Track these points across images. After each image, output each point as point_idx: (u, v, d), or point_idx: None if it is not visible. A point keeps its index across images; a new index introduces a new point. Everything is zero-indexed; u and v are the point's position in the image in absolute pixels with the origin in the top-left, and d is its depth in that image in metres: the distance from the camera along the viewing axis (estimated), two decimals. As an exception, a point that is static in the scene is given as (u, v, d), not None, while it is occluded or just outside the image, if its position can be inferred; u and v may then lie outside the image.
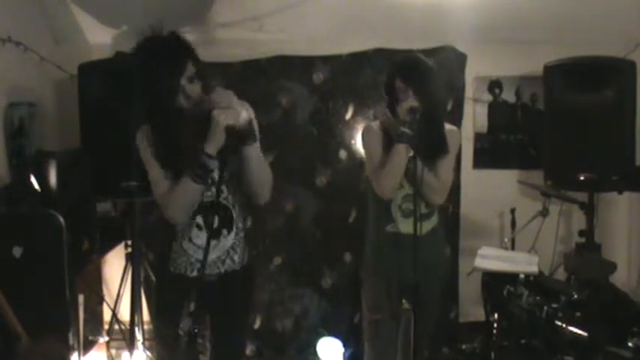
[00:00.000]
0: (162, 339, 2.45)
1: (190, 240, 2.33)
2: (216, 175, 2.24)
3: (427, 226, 2.73)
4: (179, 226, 2.33)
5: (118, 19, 3.96)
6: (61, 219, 2.99)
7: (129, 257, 3.65)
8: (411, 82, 2.62)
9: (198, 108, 2.15)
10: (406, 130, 2.57)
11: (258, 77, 4.01)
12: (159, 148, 2.22)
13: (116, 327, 3.74)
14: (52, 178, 3.28)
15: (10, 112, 3.43)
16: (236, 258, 2.38)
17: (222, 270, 2.36)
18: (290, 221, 4.09)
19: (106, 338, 3.72)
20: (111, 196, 3.71)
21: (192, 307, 2.09)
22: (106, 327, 3.81)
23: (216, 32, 3.99)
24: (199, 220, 2.31)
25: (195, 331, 2.12)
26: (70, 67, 3.77)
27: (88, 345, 3.60)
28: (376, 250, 2.83)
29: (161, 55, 2.12)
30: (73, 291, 3.13)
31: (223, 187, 2.30)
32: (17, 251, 2.94)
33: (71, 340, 3.09)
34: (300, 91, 4.04)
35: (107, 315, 3.89)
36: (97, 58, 3.71)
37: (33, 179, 3.27)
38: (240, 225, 2.39)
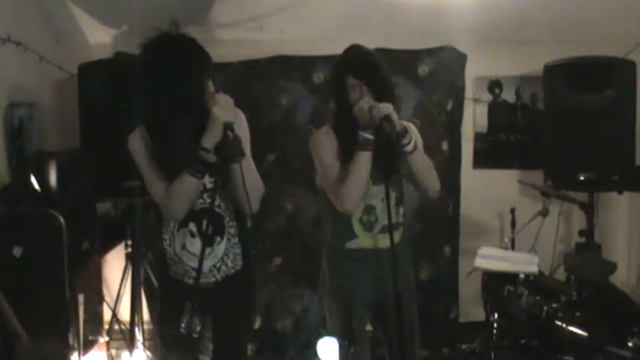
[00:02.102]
0: (163, 340, 2.44)
1: (184, 247, 2.32)
2: (207, 182, 2.24)
3: (395, 238, 2.37)
4: (167, 233, 2.32)
5: (118, 19, 3.96)
6: (61, 219, 2.99)
7: (129, 257, 3.65)
8: (362, 77, 2.36)
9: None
10: (368, 135, 2.30)
11: (258, 77, 4.01)
12: (159, 147, 2.20)
13: (116, 327, 3.74)
14: (52, 178, 3.28)
15: (10, 112, 3.43)
16: (229, 263, 2.36)
17: (219, 277, 2.35)
18: (290, 221, 4.10)
19: (106, 338, 3.72)
20: (111, 196, 3.71)
21: (191, 308, 2.09)
22: (106, 327, 3.81)
23: (216, 32, 3.98)
24: (192, 227, 2.30)
25: (197, 330, 2.11)
26: (70, 67, 3.77)
27: (88, 345, 3.60)
28: (334, 270, 2.55)
29: (187, 53, 2.13)
30: (73, 291, 3.13)
31: (223, 194, 2.28)
32: (17, 251, 2.94)
33: (71, 340, 3.09)
34: (300, 91, 4.04)
35: (107, 315, 3.89)
36: (97, 58, 3.70)
37: (33, 179, 3.28)
38: (232, 231, 2.35)
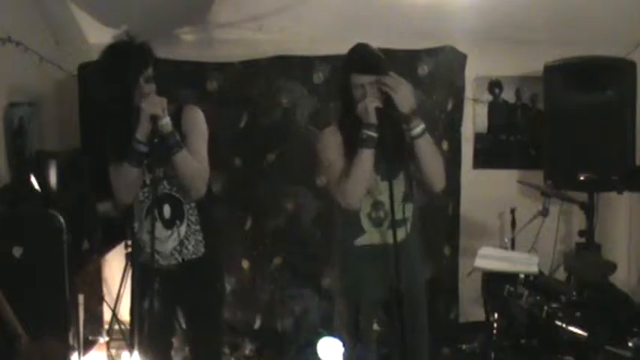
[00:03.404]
0: (136, 325, 2.58)
1: (149, 231, 2.44)
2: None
3: (402, 233, 2.41)
4: (137, 221, 2.55)
5: (118, 19, 3.93)
6: (61, 219, 2.99)
7: (129, 257, 3.65)
8: (367, 72, 2.38)
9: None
10: (371, 133, 2.34)
11: (258, 77, 4.01)
12: (113, 141, 2.47)
13: (116, 327, 3.74)
14: (52, 178, 3.28)
15: (10, 112, 3.43)
16: (190, 247, 2.53)
17: (180, 259, 2.52)
18: (290, 221, 4.09)
19: (106, 338, 3.73)
20: (112, 196, 3.70)
21: (156, 289, 2.40)
22: (106, 327, 3.81)
23: (216, 32, 3.98)
24: (155, 212, 2.47)
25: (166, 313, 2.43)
26: (70, 67, 3.77)
27: (88, 345, 3.60)
28: (345, 269, 2.58)
29: (125, 56, 2.39)
30: (73, 291, 3.13)
31: (174, 181, 2.47)
32: (17, 251, 2.95)
33: (71, 340, 3.09)
34: (300, 91, 4.03)
35: (107, 315, 3.89)
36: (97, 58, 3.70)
37: (33, 179, 3.27)
38: (193, 218, 2.53)
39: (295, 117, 4.04)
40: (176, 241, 2.51)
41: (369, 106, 2.34)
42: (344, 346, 2.60)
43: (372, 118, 2.34)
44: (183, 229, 2.52)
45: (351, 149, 2.41)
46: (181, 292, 2.56)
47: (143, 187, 2.51)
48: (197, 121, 2.55)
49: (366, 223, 2.50)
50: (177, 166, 2.40)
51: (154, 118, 2.33)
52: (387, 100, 2.36)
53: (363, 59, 2.45)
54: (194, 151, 2.46)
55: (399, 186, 2.44)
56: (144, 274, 2.49)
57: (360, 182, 2.38)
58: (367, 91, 2.39)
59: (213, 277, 2.66)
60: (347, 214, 2.49)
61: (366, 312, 2.51)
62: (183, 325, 2.65)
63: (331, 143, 2.49)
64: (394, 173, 2.42)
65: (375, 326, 2.53)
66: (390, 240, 2.38)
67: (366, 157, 2.36)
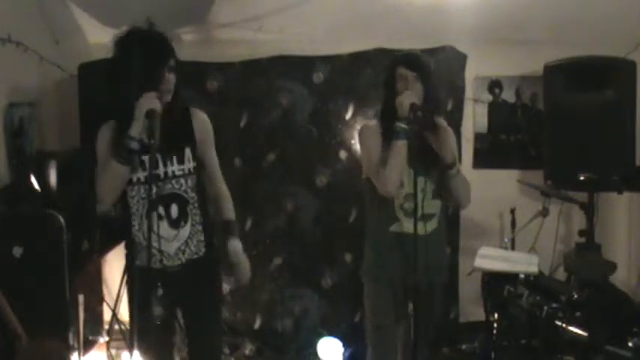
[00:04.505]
0: (136, 327, 2.52)
1: (153, 232, 2.37)
2: (177, 170, 2.43)
3: (431, 225, 2.66)
4: (136, 219, 2.45)
5: (118, 19, 3.91)
6: (61, 219, 2.99)
7: (129, 257, 3.64)
8: (414, 69, 2.57)
9: None
10: (403, 125, 2.51)
11: (258, 77, 4.01)
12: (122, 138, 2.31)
13: (116, 327, 3.73)
14: (52, 178, 3.28)
15: (10, 112, 3.43)
16: (193, 247, 2.50)
17: (184, 260, 2.48)
18: (290, 221, 4.10)
19: (106, 338, 3.72)
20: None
21: (160, 293, 2.36)
22: (106, 327, 3.81)
23: (216, 32, 3.98)
24: (160, 210, 2.42)
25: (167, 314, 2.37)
26: (70, 67, 3.77)
27: (88, 345, 3.60)
28: (378, 253, 2.74)
29: (148, 44, 2.31)
30: (73, 291, 3.13)
31: (182, 180, 2.44)
32: (17, 251, 2.94)
33: (71, 340, 3.09)
34: (300, 91, 4.04)
35: (107, 315, 3.89)
36: (97, 58, 3.71)
37: (33, 179, 3.27)
38: (197, 218, 2.50)
39: (295, 117, 4.05)
40: (181, 241, 2.47)
41: (405, 101, 2.50)
42: (344, 346, 2.67)
43: (405, 112, 2.49)
44: (187, 228, 2.48)
45: (386, 139, 2.60)
46: (182, 291, 2.51)
47: (144, 185, 2.41)
48: (210, 130, 2.56)
49: (399, 212, 2.67)
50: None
51: (151, 115, 2.25)
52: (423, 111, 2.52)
53: (411, 56, 2.65)
54: (213, 165, 2.54)
55: (431, 183, 2.65)
56: (145, 273, 2.42)
57: (396, 170, 2.56)
58: (410, 84, 2.56)
59: (213, 276, 2.62)
60: (382, 202, 2.65)
61: (400, 295, 2.68)
62: (183, 325, 2.63)
63: (371, 134, 2.69)
64: (426, 170, 2.61)
65: (410, 307, 2.67)
66: (420, 231, 2.52)
67: (398, 148, 2.53)
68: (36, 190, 3.27)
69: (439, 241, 2.76)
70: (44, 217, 3.02)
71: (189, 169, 2.46)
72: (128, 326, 3.57)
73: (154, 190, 2.35)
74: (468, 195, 2.70)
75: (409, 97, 2.51)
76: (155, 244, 2.38)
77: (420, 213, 2.53)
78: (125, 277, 3.64)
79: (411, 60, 2.62)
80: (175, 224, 2.46)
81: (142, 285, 2.38)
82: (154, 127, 2.23)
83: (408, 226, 2.62)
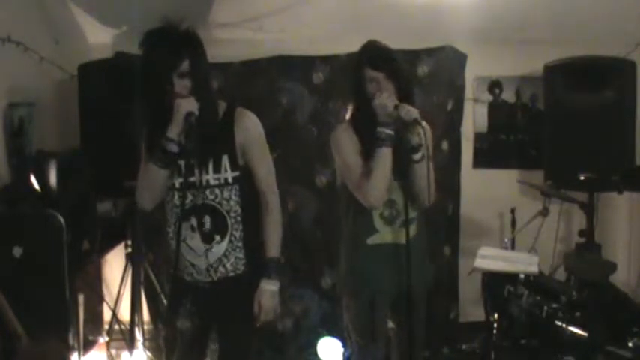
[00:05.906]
0: (166, 338, 2.46)
1: (184, 240, 2.30)
2: (212, 179, 2.26)
3: (411, 231, 2.43)
4: (170, 226, 2.32)
5: (118, 19, 3.96)
6: (61, 219, 2.99)
7: (129, 257, 3.65)
8: (381, 68, 2.34)
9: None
10: (389, 131, 2.30)
11: (258, 77, 4.01)
12: (147, 139, 2.27)
13: (116, 327, 3.74)
14: (52, 178, 3.28)
15: (10, 112, 3.43)
16: (228, 266, 2.30)
17: (215, 278, 2.30)
18: (290, 221, 4.08)
19: (106, 338, 3.73)
20: (111, 196, 3.71)
21: (189, 307, 2.20)
22: (106, 327, 3.81)
23: (216, 32, 3.98)
24: (193, 221, 2.28)
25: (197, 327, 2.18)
26: (70, 67, 3.77)
27: (88, 345, 3.60)
28: (355, 267, 2.53)
29: (159, 46, 2.18)
30: (73, 291, 3.13)
31: (217, 191, 2.27)
32: (17, 251, 2.94)
33: (71, 340, 3.09)
34: (300, 91, 4.03)
35: (107, 315, 3.89)
36: (97, 58, 3.70)
37: (33, 179, 3.27)
38: (238, 234, 2.30)
39: (295, 117, 4.05)
40: (213, 258, 2.28)
41: (388, 103, 2.29)
42: (344, 346, 2.59)
43: (390, 116, 2.30)
44: (224, 244, 2.27)
45: (367, 148, 2.38)
46: (214, 309, 2.33)
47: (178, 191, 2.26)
48: (256, 135, 2.40)
49: (378, 222, 2.47)
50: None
51: (189, 116, 2.12)
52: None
53: (377, 54, 2.41)
54: (260, 175, 2.34)
55: (409, 186, 2.43)
56: (176, 288, 2.30)
57: (383, 181, 2.35)
58: (382, 86, 2.34)
59: (249, 295, 2.31)
60: (360, 213, 2.46)
61: (380, 310, 2.50)
62: (212, 344, 2.46)
63: (346, 142, 2.44)
64: (406, 173, 2.40)
65: (390, 324, 2.53)
66: (401, 238, 2.38)
67: (386, 155, 2.33)
68: (36, 190, 3.27)
69: (420, 247, 2.57)
70: (44, 217, 3.01)
71: (225, 179, 2.26)
72: (128, 326, 3.58)
73: (188, 198, 2.22)
74: (432, 189, 2.41)
75: (389, 99, 2.30)
76: (188, 256, 2.28)
77: (402, 219, 2.38)
78: (126, 277, 3.67)
79: (375, 59, 2.38)
80: (208, 238, 2.27)
81: (171, 294, 2.29)
82: (191, 130, 2.12)
83: (388, 235, 2.46)
